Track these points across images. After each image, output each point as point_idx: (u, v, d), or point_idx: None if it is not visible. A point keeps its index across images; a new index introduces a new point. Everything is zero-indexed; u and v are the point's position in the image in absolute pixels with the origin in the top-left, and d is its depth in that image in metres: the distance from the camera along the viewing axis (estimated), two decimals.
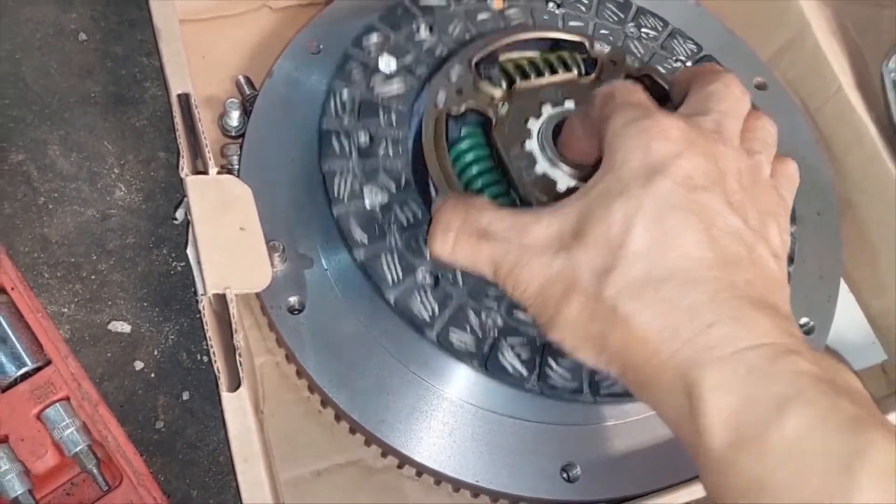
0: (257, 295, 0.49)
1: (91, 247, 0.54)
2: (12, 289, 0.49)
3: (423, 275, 0.47)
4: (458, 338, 0.46)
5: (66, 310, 0.52)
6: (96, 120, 0.57)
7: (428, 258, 0.47)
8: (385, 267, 0.48)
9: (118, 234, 0.54)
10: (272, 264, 0.49)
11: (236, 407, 0.43)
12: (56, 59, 0.59)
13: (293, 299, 0.49)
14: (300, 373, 0.49)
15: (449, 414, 0.47)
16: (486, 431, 0.47)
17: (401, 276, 0.47)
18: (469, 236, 0.40)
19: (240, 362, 0.44)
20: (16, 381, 0.47)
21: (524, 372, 0.46)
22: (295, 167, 0.53)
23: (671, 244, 0.35)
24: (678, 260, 0.35)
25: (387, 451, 0.47)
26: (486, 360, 0.46)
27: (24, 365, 0.47)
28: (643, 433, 0.49)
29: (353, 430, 0.48)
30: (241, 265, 0.47)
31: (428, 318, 0.46)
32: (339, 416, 0.48)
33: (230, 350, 0.45)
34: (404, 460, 0.46)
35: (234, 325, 0.45)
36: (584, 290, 0.36)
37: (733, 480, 0.33)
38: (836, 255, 0.56)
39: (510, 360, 0.46)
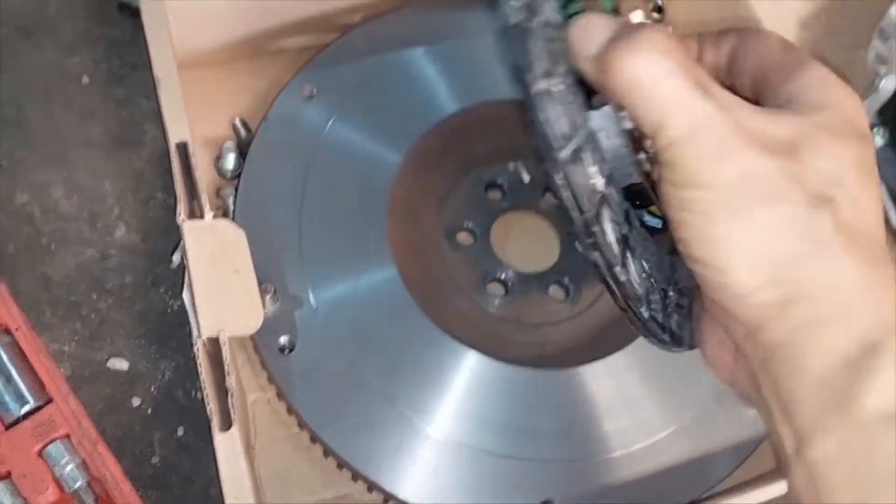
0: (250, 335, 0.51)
1: (91, 286, 0.56)
2: (16, 329, 0.51)
3: None
4: None
5: (66, 348, 0.54)
6: (97, 161, 0.60)
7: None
8: None
9: (117, 274, 0.57)
10: (264, 306, 0.51)
11: (228, 447, 0.45)
12: (60, 102, 0.61)
13: (284, 339, 0.51)
14: (290, 410, 0.51)
15: (432, 451, 0.49)
16: (468, 468, 0.49)
17: None
18: (686, 79, 0.33)
19: (231, 404, 0.46)
20: (18, 419, 0.49)
21: None
22: (287, 209, 0.55)
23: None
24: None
25: (372, 486, 0.49)
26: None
27: (27, 403, 0.49)
28: (624, 470, 0.51)
29: (340, 466, 0.50)
30: (235, 308, 0.49)
31: None
32: (327, 452, 0.50)
33: (223, 391, 0.47)
34: (389, 496, 0.48)
35: (226, 368, 0.47)
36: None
37: None
38: None
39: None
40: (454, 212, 0.59)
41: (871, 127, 0.60)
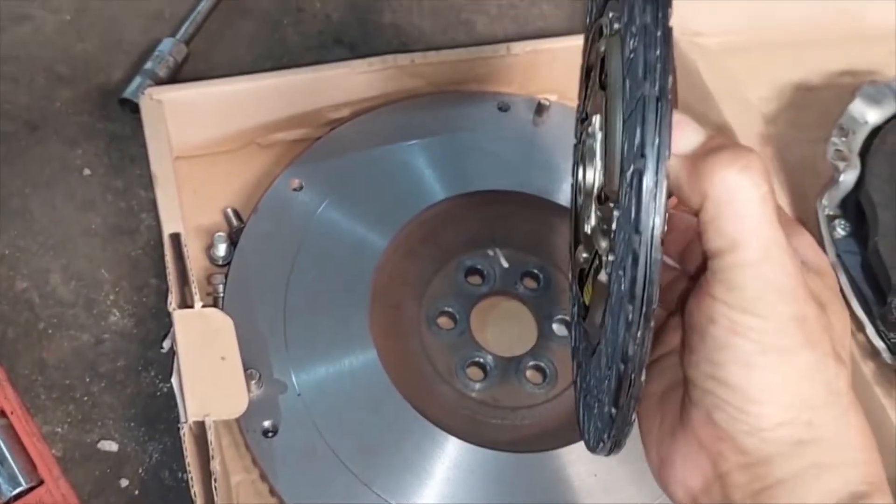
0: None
1: (85, 370, 0.58)
2: (11, 412, 0.53)
3: None
4: None
5: (59, 429, 0.56)
6: (95, 250, 0.63)
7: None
8: None
9: (110, 358, 0.59)
10: (249, 390, 0.53)
11: None
12: (62, 193, 0.64)
13: (267, 423, 0.53)
14: (272, 492, 0.53)
15: None
16: None
17: None
18: (772, 207, 0.35)
19: (215, 487, 0.48)
20: (9, 501, 0.51)
21: None
22: (274, 296, 0.58)
23: None
24: None
25: None
26: None
27: (20, 485, 0.51)
28: None
29: None
30: (221, 393, 0.52)
31: None
32: None
33: (207, 475, 0.49)
34: None
35: (211, 452, 0.49)
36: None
37: None
38: None
39: None
40: (435, 297, 0.62)
41: (834, 219, 0.63)
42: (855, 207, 0.64)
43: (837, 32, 0.73)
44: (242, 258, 0.59)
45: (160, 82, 0.67)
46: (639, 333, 0.34)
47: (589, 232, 0.44)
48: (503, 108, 0.68)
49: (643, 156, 0.33)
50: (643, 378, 0.35)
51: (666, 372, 0.40)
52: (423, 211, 0.63)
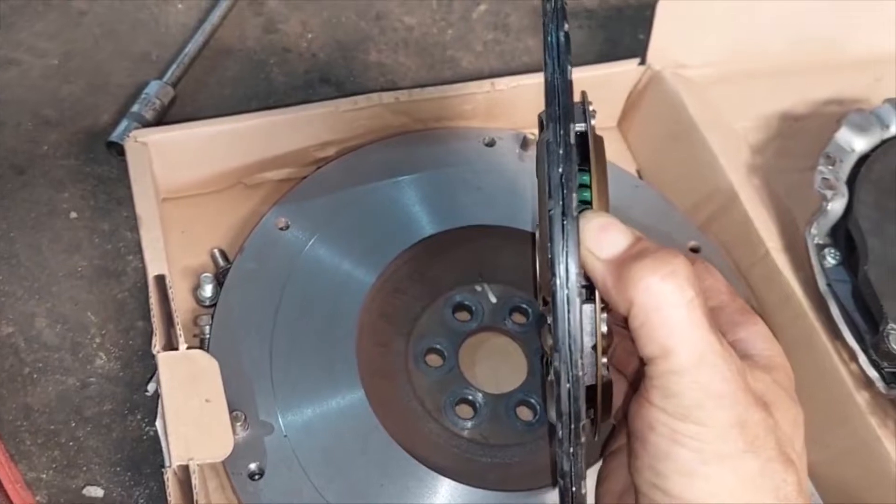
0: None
1: (70, 414, 0.58)
2: None
3: None
4: None
5: (44, 475, 0.56)
6: (81, 293, 0.62)
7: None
8: None
9: (96, 402, 0.58)
10: (235, 432, 0.53)
11: None
12: (48, 236, 0.64)
13: (253, 466, 0.53)
14: None
15: None
16: None
17: None
18: (702, 311, 0.34)
19: None
20: None
21: None
22: (259, 337, 0.57)
23: None
24: None
25: None
26: None
27: None
28: None
29: None
30: (205, 436, 0.51)
31: None
32: None
33: None
34: None
35: (195, 497, 0.48)
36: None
37: None
38: None
39: None
40: (423, 334, 0.61)
41: (823, 247, 0.63)
42: (844, 236, 0.63)
43: (821, 61, 0.73)
44: (228, 299, 0.59)
45: (147, 125, 0.67)
46: (571, 450, 0.34)
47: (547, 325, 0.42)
48: (489, 144, 0.68)
49: (553, 274, 0.34)
50: (584, 490, 0.36)
51: (624, 469, 0.39)
52: (409, 247, 0.62)
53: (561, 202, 0.33)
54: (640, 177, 0.72)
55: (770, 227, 0.64)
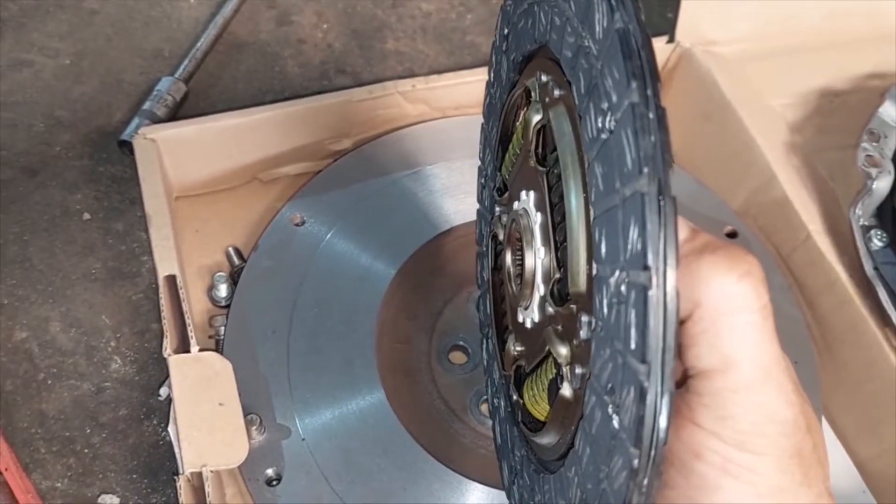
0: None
1: (85, 420, 0.56)
2: (6, 469, 0.51)
3: None
4: None
5: (59, 484, 0.54)
6: (95, 295, 0.61)
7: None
8: None
9: (111, 407, 0.57)
10: (250, 436, 0.51)
11: None
12: (61, 238, 0.63)
13: (270, 471, 0.51)
14: None
15: None
16: None
17: None
18: (771, 323, 0.30)
19: None
20: None
21: None
22: (276, 337, 0.55)
23: None
24: None
25: None
26: None
27: None
28: None
29: None
30: (219, 442, 0.49)
31: None
32: None
33: None
34: None
35: None
36: None
37: None
38: (814, 403, 0.56)
39: None
40: (446, 330, 0.59)
41: (869, 229, 0.59)
42: (891, 216, 0.60)
43: (860, 34, 0.69)
44: (243, 298, 0.57)
45: (159, 122, 0.66)
46: (645, 482, 0.27)
47: (529, 326, 0.38)
48: None
49: (646, 268, 0.26)
50: None
51: None
52: (430, 240, 0.60)
53: (656, 178, 0.26)
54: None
55: (811, 208, 0.61)
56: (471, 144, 0.64)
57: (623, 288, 0.27)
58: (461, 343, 0.58)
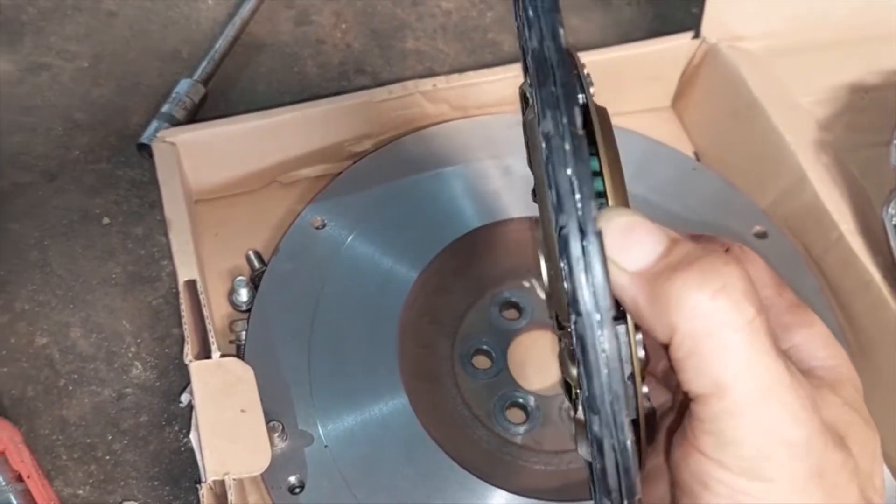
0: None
1: (106, 427, 0.56)
2: (28, 477, 0.51)
3: None
4: None
5: (80, 491, 0.54)
6: (115, 300, 0.60)
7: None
8: None
9: (132, 413, 0.56)
10: (272, 443, 0.50)
11: None
12: (81, 243, 0.62)
13: (293, 479, 0.50)
14: None
15: None
16: None
17: None
18: (765, 332, 0.27)
19: None
20: None
21: None
22: (297, 342, 0.54)
23: None
24: None
25: None
26: None
27: None
28: None
29: None
30: (241, 449, 0.48)
31: None
32: None
33: None
34: None
35: None
36: None
37: None
38: None
39: None
40: (469, 334, 0.58)
41: None
42: None
43: (891, 27, 0.67)
44: (263, 302, 0.56)
45: (177, 124, 0.65)
46: None
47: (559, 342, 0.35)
48: None
49: (578, 314, 0.25)
50: None
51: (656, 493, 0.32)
52: (452, 243, 0.59)
53: (576, 215, 0.25)
54: (698, 159, 0.68)
55: (843, 208, 0.59)
56: (493, 144, 0.63)
57: (573, 333, 0.26)
58: (484, 347, 0.57)
